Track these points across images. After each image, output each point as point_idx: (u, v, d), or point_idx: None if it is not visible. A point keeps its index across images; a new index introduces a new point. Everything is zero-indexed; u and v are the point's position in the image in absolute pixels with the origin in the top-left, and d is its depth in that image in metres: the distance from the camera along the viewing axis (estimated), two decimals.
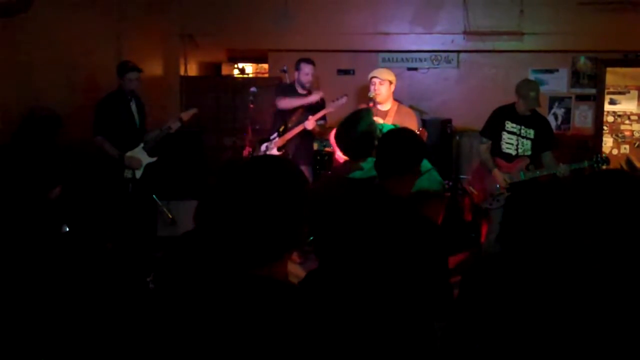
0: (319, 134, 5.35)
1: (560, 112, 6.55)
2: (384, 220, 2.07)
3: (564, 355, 1.44)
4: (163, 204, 5.36)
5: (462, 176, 6.20)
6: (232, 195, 1.21)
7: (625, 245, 1.44)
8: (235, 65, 7.76)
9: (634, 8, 5.94)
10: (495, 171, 4.42)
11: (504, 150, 4.47)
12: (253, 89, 5.24)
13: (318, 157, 5.92)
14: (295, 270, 4.45)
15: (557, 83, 6.51)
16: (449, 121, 6.05)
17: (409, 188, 2.20)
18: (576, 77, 6.47)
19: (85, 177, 4.82)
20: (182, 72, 7.08)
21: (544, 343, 1.46)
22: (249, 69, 8.36)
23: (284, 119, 5.00)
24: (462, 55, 6.63)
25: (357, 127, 3.91)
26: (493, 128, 4.51)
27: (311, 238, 5.35)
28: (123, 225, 4.74)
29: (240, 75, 7.33)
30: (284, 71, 5.48)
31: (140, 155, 4.82)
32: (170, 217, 5.34)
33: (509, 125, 4.43)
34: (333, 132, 4.16)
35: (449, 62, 6.67)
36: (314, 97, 4.88)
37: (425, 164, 3.88)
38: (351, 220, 2.15)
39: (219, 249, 1.21)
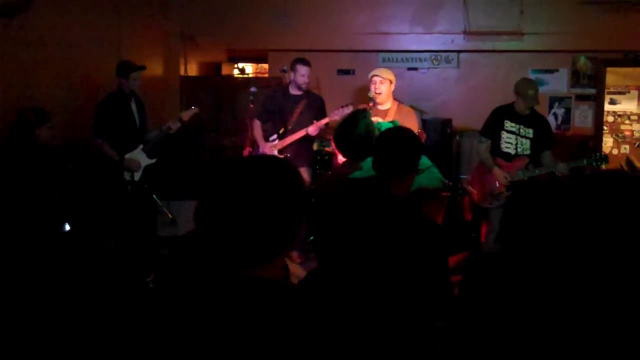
0: (319, 135, 5.34)
1: (560, 112, 6.54)
2: (384, 220, 2.07)
3: (564, 355, 1.44)
4: (163, 204, 5.36)
5: (462, 176, 6.20)
6: (225, 195, 1.19)
7: (625, 246, 1.44)
8: (235, 65, 7.75)
9: (634, 8, 5.94)
10: (496, 169, 4.42)
11: (503, 150, 4.47)
12: (253, 89, 5.24)
13: (318, 157, 5.91)
14: (296, 270, 4.45)
15: (557, 83, 6.50)
16: (449, 121, 6.05)
17: (408, 187, 2.21)
18: (576, 77, 6.47)
19: (85, 177, 4.82)
20: (182, 72, 7.08)
21: (544, 343, 1.46)
22: (249, 69, 8.35)
23: (283, 119, 4.98)
24: (462, 55, 6.63)
25: (355, 129, 3.91)
26: (492, 127, 4.52)
27: (311, 238, 5.37)
28: (123, 225, 4.74)
29: (240, 75, 7.32)
30: (284, 71, 5.48)
31: (140, 157, 4.82)
32: (170, 217, 5.35)
33: (508, 125, 4.44)
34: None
35: (449, 62, 6.67)
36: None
37: (425, 161, 3.89)
38: (351, 220, 2.15)
39: (212, 249, 1.20)
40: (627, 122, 7.87)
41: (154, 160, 4.90)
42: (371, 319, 1.98)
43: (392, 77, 4.53)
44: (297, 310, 1.17)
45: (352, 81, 6.62)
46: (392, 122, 4.23)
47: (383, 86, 4.46)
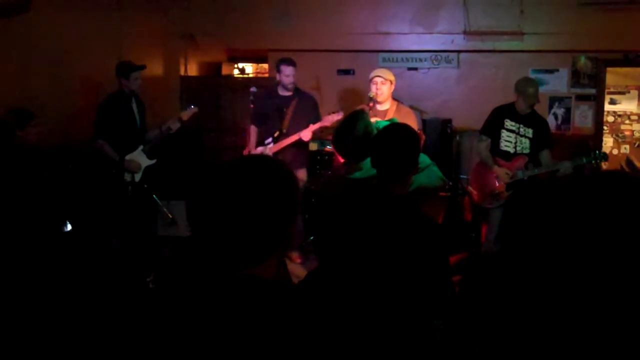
0: (318, 135, 5.34)
1: (560, 112, 6.54)
2: (384, 219, 2.07)
3: (563, 355, 1.44)
4: (163, 204, 5.36)
5: (462, 176, 6.20)
6: (214, 195, 1.19)
7: (625, 246, 1.44)
8: (235, 65, 7.75)
9: (634, 8, 5.94)
10: (496, 167, 4.44)
11: (502, 148, 4.49)
12: (253, 89, 5.23)
13: (318, 157, 5.91)
14: (296, 270, 4.45)
15: (557, 83, 6.50)
16: (449, 121, 6.05)
17: (407, 186, 2.21)
18: (576, 77, 6.47)
19: (86, 177, 4.82)
20: (182, 72, 7.08)
21: (544, 343, 1.46)
22: (249, 69, 8.34)
23: (276, 121, 4.95)
24: (462, 55, 6.63)
25: (353, 131, 3.91)
26: (493, 126, 4.54)
27: (311, 238, 5.35)
28: (123, 225, 4.74)
29: (240, 75, 7.32)
30: None
31: (140, 158, 4.81)
32: (170, 217, 5.35)
33: (508, 124, 4.46)
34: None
35: (449, 62, 6.67)
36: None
37: (425, 160, 3.89)
38: (351, 219, 2.15)
39: (206, 249, 1.20)
40: (627, 122, 7.87)
41: (154, 161, 4.91)
42: (371, 318, 1.98)
43: (392, 78, 4.55)
44: (296, 310, 1.17)
45: (352, 81, 6.62)
46: (390, 120, 4.24)
47: (384, 87, 4.47)
